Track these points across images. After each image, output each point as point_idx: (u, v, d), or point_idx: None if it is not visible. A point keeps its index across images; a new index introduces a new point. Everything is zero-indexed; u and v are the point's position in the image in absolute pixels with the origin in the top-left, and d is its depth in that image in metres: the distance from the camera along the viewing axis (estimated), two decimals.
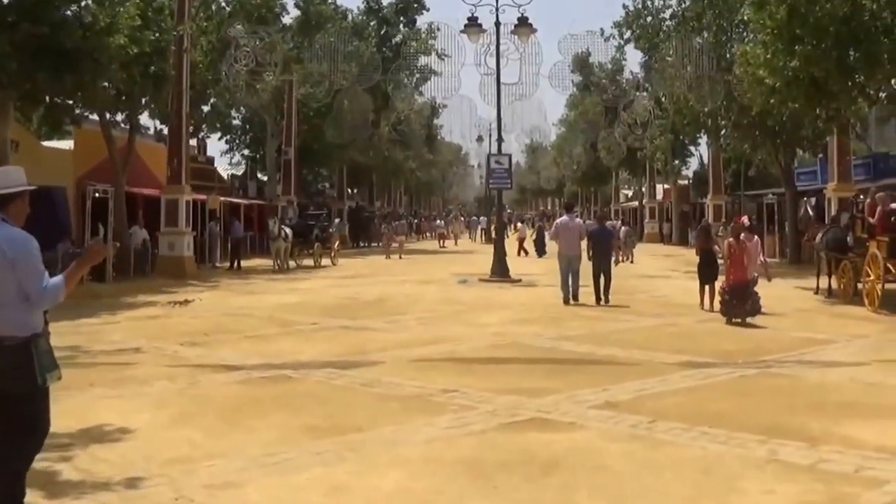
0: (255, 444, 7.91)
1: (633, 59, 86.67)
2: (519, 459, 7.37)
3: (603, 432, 8.24)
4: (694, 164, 59.05)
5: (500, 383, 10.49)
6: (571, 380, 10.70)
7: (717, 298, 17.10)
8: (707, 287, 18.49)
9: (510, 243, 35.15)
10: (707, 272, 18.60)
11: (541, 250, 38.89)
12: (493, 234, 35.38)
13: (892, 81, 22.20)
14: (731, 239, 17.15)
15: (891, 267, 17.69)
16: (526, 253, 41.47)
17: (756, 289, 16.87)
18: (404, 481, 6.88)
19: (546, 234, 37.49)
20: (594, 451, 7.62)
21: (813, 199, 37.12)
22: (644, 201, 64.36)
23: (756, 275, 17.56)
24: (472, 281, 26.65)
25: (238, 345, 14.05)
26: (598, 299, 19.49)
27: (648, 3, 40.44)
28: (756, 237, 19.21)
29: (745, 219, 21.38)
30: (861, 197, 23.25)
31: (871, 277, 18.26)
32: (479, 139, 65.57)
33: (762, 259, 18.69)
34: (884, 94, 22.97)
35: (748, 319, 16.12)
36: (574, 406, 9.30)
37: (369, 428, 8.44)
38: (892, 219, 18.12)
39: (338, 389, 10.38)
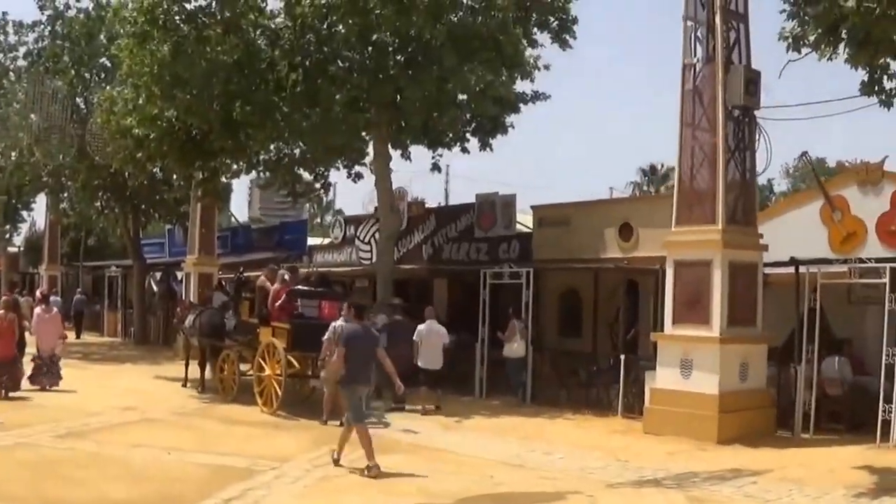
0: None
1: None
2: None
3: None
4: (25, 229, 52.72)
5: None
6: None
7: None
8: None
9: None
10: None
11: None
12: None
13: (273, 146, 19.91)
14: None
15: (293, 360, 14.78)
16: None
17: (62, 368, 17.61)
18: None
19: None
20: None
21: (158, 274, 33.91)
22: None
23: (58, 351, 17.75)
24: None
25: None
26: None
27: (0, 37, 33.09)
28: (56, 310, 18.85)
29: (42, 290, 21.21)
30: (242, 270, 20.35)
31: (268, 372, 15.17)
32: None
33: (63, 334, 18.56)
34: (264, 157, 20.47)
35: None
36: None
37: None
38: (296, 301, 15.31)
39: None
